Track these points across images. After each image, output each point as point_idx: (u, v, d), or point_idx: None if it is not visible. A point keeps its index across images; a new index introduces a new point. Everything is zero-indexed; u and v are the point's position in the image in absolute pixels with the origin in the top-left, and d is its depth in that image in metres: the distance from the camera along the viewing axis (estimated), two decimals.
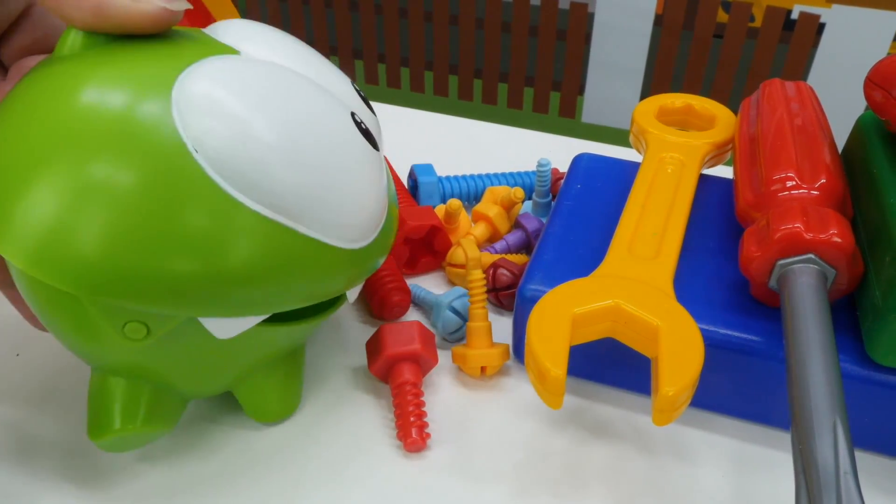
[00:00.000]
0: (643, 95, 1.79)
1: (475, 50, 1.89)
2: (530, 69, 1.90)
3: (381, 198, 0.27)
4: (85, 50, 0.24)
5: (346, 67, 2.03)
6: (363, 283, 0.29)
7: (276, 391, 0.30)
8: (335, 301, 0.29)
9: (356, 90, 0.28)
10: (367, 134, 0.26)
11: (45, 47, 0.29)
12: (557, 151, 0.52)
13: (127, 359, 0.25)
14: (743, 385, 0.30)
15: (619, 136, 1.89)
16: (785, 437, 0.31)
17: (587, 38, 1.76)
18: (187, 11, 0.44)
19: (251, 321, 0.25)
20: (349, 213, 0.25)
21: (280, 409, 0.31)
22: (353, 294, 0.29)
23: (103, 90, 0.22)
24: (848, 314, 0.30)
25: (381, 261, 0.28)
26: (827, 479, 0.22)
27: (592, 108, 1.85)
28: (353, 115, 0.26)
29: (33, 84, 0.23)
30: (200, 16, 0.46)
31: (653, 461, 0.30)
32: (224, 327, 0.25)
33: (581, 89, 1.85)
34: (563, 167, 0.48)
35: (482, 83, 1.94)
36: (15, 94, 0.24)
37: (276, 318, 0.26)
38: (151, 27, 0.24)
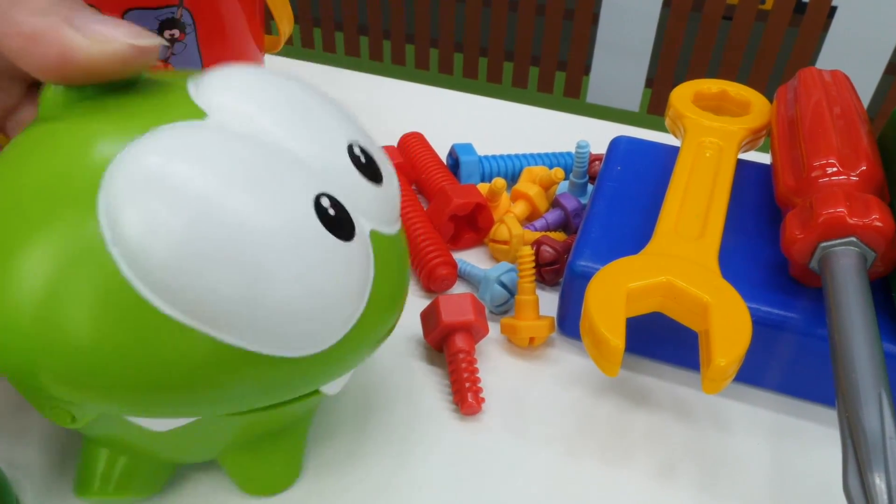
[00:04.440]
0: (649, 77, 1.80)
1: (480, 28, 1.89)
2: (536, 48, 1.91)
3: (347, 296, 0.22)
4: (65, 107, 0.22)
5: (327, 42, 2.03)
6: (345, 377, 0.26)
7: (267, 463, 0.28)
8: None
9: (356, 153, 0.24)
10: (335, 221, 0.22)
11: None
12: (582, 134, 0.53)
13: (91, 432, 0.25)
14: (780, 360, 0.32)
15: (623, 118, 1.90)
16: (819, 410, 0.33)
17: (595, 18, 1.76)
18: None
19: (181, 420, 0.24)
20: (293, 322, 0.21)
21: (273, 482, 0.29)
22: (333, 388, 0.26)
23: (43, 168, 0.21)
24: (882, 295, 0.32)
25: (359, 359, 0.24)
26: (875, 443, 0.23)
27: (598, 88, 1.86)
28: (320, 198, 0.21)
29: (5, 152, 0.22)
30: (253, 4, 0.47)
31: (693, 429, 0.32)
32: (154, 423, 0.23)
33: (587, 70, 1.86)
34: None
35: (487, 61, 1.95)
36: None
37: None
38: (122, 68, 0.22)
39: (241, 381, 0.21)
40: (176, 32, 0.42)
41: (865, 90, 1.61)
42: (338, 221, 0.22)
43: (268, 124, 0.22)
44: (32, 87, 0.28)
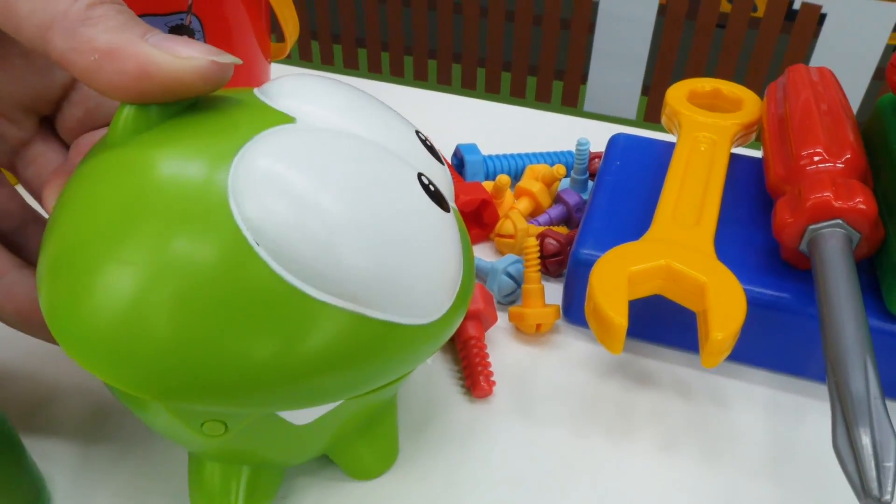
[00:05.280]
0: (646, 85, 1.83)
1: (479, 39, 1.92)
2: (534, 58, 1.94)
3: (455, 263, 0.24)
4: (136, 131, 0.22)
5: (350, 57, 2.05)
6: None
7: (372, 448, 0.30)
8: None
9: (421, 139, 0.26)
10: (436, 195, 0.24)
11: (100, 118, 0.28)
12: (582, 134, 0.55)
13: (215, 448, 0.26)
14: (774, 339, 0.34)
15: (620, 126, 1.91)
16: (811, 386, 0.35)
17: (591, 28, 1.79)
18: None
19: (328, 406, 0.25)
20: (423, 289, 0.23)
21: (379, 465, 0.31)
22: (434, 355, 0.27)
23: (153, 186, 0.21)
24: (868, 275, 0.34)
25: (461, 320, 0.26)
26: (860, 404, 0.25)
27: (595, 97, 1.89)
28: (420, 177, 0.23)
29: (81, 179, 0.22)
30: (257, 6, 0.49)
31: (693, 407, 0.34)
32: (302, 415, 0.25)
33: (584, 78, 1.88)
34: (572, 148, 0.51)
35: (485, 72, 1.97)
36: (69, 186, 0.23)
37: None
38: (202, 85, 0.22)
39: (387, 355, 0.23)
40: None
41: (854, 95, 1.64)
42: (437, 196, 0.24)
43: (348, 121, 0.24)
44: (44, 123, 0.28)
